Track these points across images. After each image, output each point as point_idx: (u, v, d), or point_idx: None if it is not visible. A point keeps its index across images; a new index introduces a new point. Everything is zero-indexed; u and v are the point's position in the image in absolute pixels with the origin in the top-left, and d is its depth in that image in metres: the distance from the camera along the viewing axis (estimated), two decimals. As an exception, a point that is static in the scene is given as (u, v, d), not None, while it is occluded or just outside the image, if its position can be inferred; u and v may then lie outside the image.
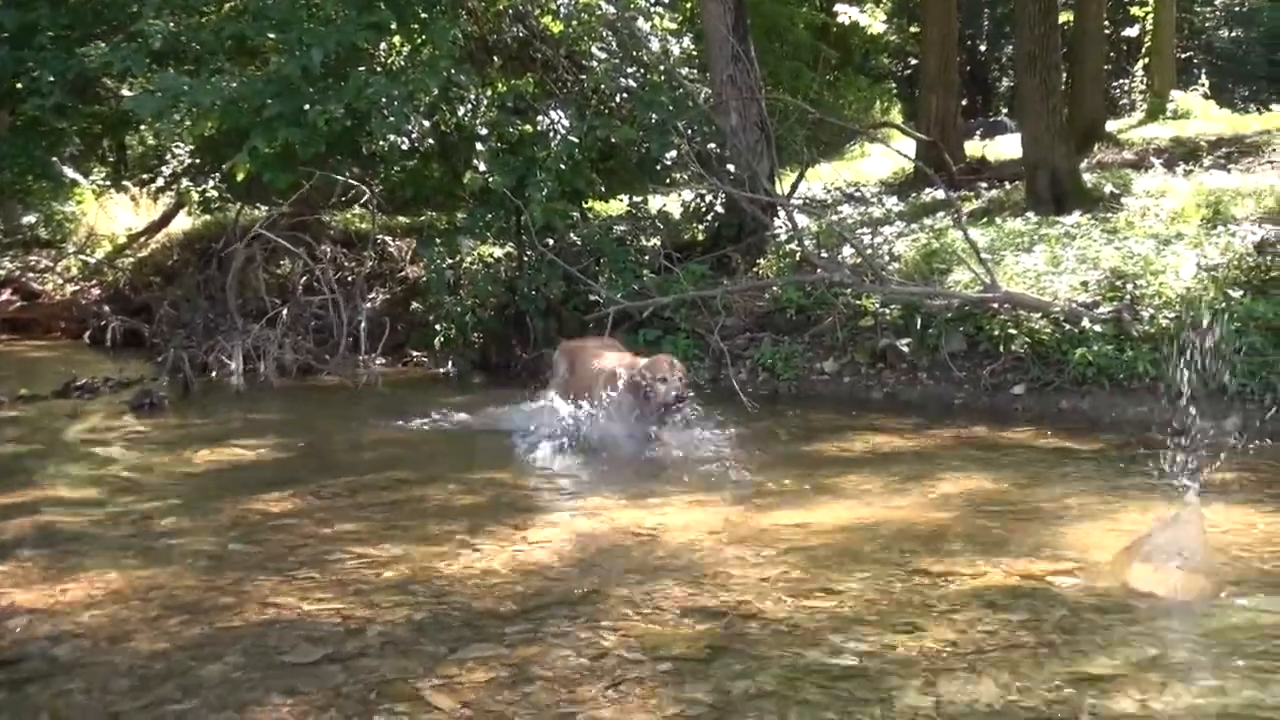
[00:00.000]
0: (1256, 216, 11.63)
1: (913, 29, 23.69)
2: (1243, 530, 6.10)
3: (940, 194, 14.73)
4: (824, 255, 11.81)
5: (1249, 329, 8.93)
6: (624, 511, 6.78)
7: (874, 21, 24.06)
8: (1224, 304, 9.22)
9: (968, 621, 4.79)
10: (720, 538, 6.12)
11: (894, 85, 28.49)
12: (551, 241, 12.64)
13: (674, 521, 6.48)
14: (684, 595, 5.21)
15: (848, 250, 11.85)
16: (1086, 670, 4.27)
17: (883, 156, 19.58)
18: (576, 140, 12.44)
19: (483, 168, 12.33)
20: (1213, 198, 12.75)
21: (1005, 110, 29.60)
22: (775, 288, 11.75)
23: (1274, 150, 16.92)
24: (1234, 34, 32.23)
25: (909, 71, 25.00)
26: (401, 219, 16.79)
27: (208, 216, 17.68)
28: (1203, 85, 24.94)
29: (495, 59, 14.48)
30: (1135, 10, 26.03)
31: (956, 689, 4.17)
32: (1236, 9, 32.93)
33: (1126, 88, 26.34)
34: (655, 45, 14.01)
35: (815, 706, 4.07)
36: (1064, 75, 16.24)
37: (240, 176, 12.92)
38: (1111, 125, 20.78)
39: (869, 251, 11.76)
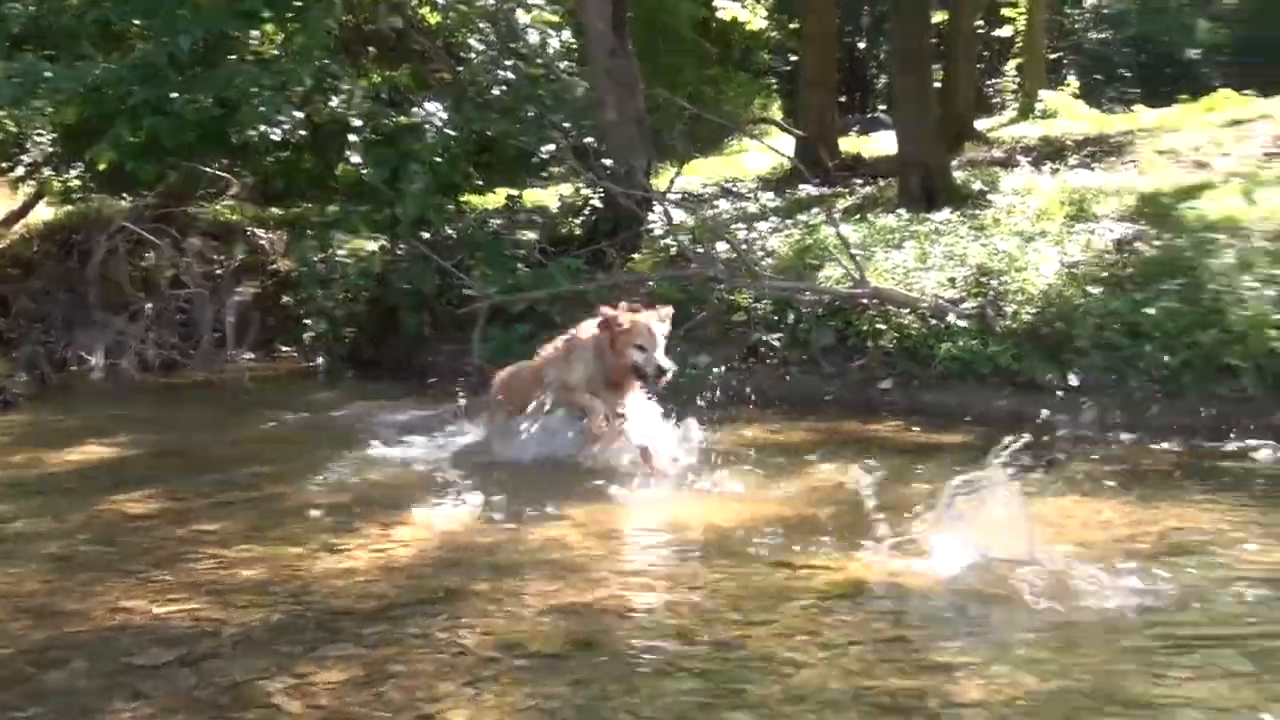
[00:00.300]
0: (1116, 214, 11.96)
1: (793, 25, 23.84)
2: (1088, 518, 6.22)
3: (816, 190, 14.92)
4: (699, 250, 11.86)
5: (1106, 325, 9.16)
6: (491, 509, 6.74)
7: (754, 17, 24.23)
8: (1084, 300, 9.47)
9: (825, 612, 4.85)
10: (586, 533, 6.10)
11: (775, 81, 28.71)
12: (426, 235, 12.51)
13: (541, 517, 6.46)
14: (546, 592, 5.19)
15: (723, 245, 11.92)
16: (936, 659, 4.35)
17: (760, 153, 19.75)
18: (453, 133, 12.34)
19: (356, 160, 12.17)
20: (1076, 196, 13.07)
21: (882, 107, 30.07)
22: (650, 282, 11.77)
23: (1136, 150, 17.41)
24: (1103, 36, 33.17)
25: (789, 68, 25.20)
26: (274, 211, 16.46)
27: (69, 207, 17.12)
28: (1072, 85, 25.62)
29: (370, 49, 14.30)
30: (1007, 11, 26.60)
31: (808, 678, 4.22)
32: (1105, 11, 33.89)
33: (998, 87, 26.94)
34: (534, 38, 13.96)
35: (669, 698, 4.08)
36: (938, 74, 16.56)
37: (103, 166, 12.53)
38: (983, 124, 21.19)
39: (744, 247, 11.86)
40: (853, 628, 4.69)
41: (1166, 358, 8.83)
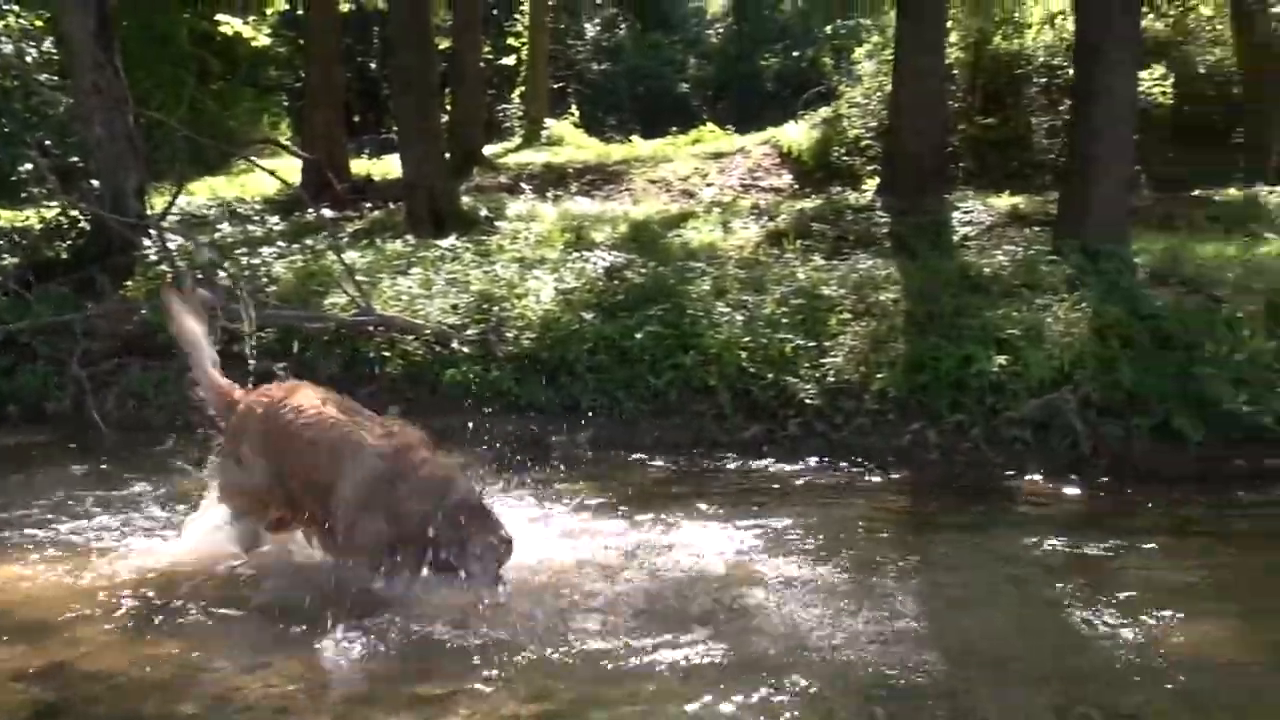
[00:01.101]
0: (611, 242, 12.63)
1: (301, 42, 23.41)
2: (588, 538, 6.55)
3: (325, 213, 14.73)
4: (199, 276, 11.38)
5: (599, 349, 9.66)
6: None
7: (258, 34, 23.62)
8: (579, 325, 9.93)
9: (315, 652, 4.81)
10: (64, 589, 5.68)
11: (285, 99, 28.06)
12: (-119, 260, 11.25)
13: (12, 572, 5.94)
14: (13, 655, 4.82)
15: (224, 271, 11.51)
16: (421, 692, 4.42)
17: (267, 173, 19.20)
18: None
19: None
20: (576, 223, 13.72)
21: (396, 128, 30.05)
22: (144, 311, 11.15)
23: (632, 179, 18.51)
24: (603, 67, 34.91)
25: (300, 85, 24.70)
26: None
27: None
28: (574, 115, 26.82)
29: None
30: (512, 40, 27.49)
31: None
32: (604, 44, 35.70)
33: (506, 113, 27.74)
34: (7, 48, 12.87)
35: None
36: (444, 100, 16.80)
37: None
38: (491, 150, 21.77)
39: (245, 273, 11.51)
40: (346, 673, 4.69)
41: (653, 379, 9.43)
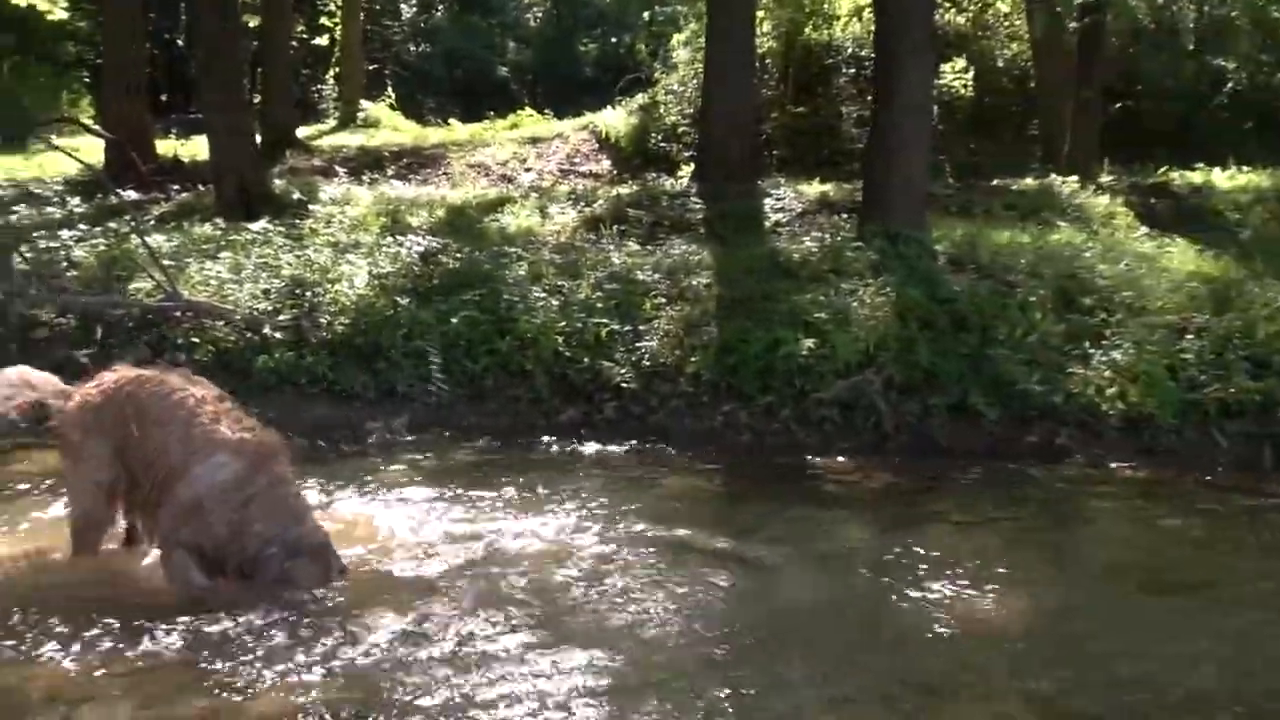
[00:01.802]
0: (427, 226, 12.54)
1: (100, 18, 22.46)
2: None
3: (128, 195, 14.24)
4: (-8, 261, 10.91)
5: (415, 334, 9.61)
6: None
7: (54, 7, 22.54)
8: (394, 311, 9.86)
9: (114, 643, 4.71)
10: None
11: (86, 76, 26.90)
12: None
13: None
14: None
15: (20, 255, 11.05)
16: (228, 679, 4.39)
17: (66, 153, 18.43)
18: None
19: None
20: (391, 207, 13.56)
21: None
22: (-65, 298, 10.66)
23: (449, 163, 18.37)
24: (420, 49, 34.51)
25: (100, 61, 23.72)
26: None
27: None
28: (390, 97, 26.43)
29: None
30: (326, 20, 26.95)
31: (92, 714, 4.11)
32: (422, 25, 35.28)
33: (321, 95, 27.21)
34: None
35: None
36: (255, 80, 16.37)
37: None
38: (305, 131, 21.30)
39: (44, 257, 11.10)
40: (146, 655, 4.61)
41: (470, 364, 9.44)
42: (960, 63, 18.42)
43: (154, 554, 5.53)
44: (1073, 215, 13.10)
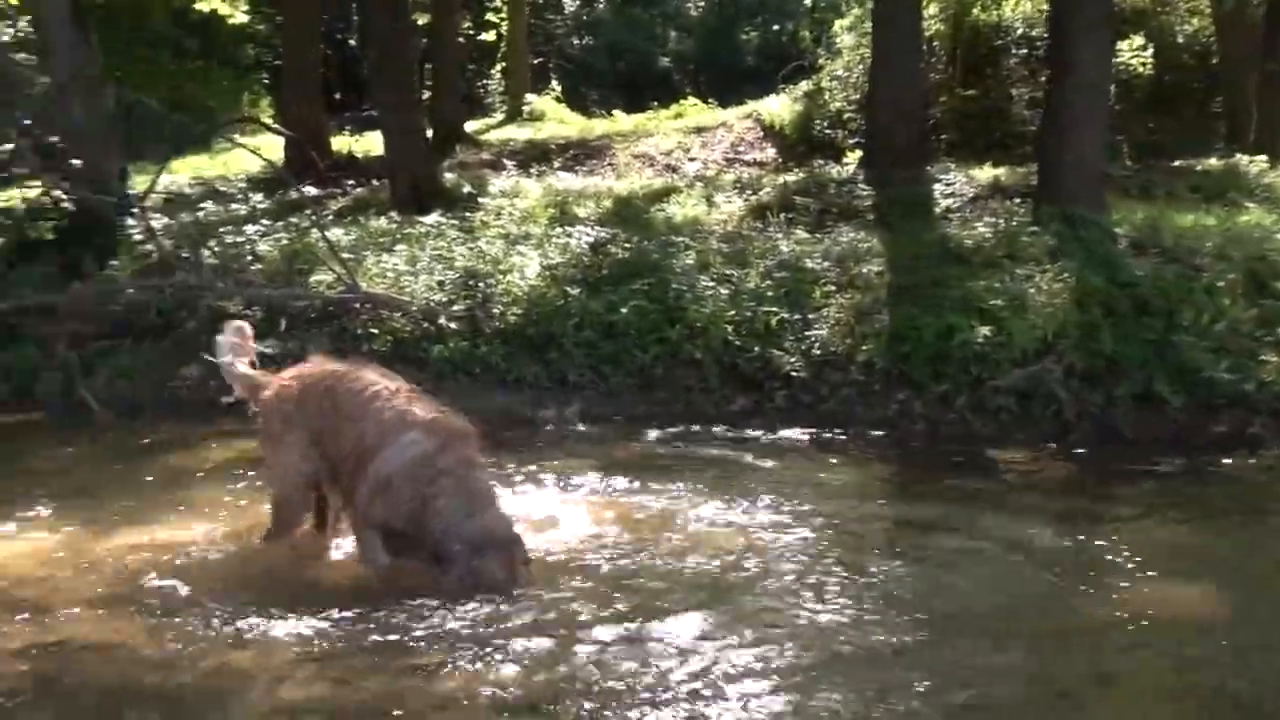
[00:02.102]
0: (594, 217, 12.66)
1: (279, 20, 23.25)
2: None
3: (308, 191, 14.71)
4: (184, 255, 11.39)
5: (585, 324, 9.71)
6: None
7: (235, 11, 23.46)
8: (564, 301, 9.98)
9: (308, 625, 4.87)
10: (59, 566, 5.75)
11: (265, 77, 27.88)
12: None
13: (8, 551, 6.01)
14: (12, 632, 4.89)
15: (209, 250, 11.51)
16: (412, 661, 4.48)
17: (249, 152, 19.15)
18: (-110, 129, 11.13)
19: None
20: (559, 199, 13.73)
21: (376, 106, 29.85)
22: (130, 291, 11.17)
23: (615, 154, 18.50)
24: (583, 41, 34.79)
25: (279, 63, 24.58)
26: None
27: None
28: (556, 90, 26.71)
29: None
30: (492, 16, 27.35)
31: (292, 693, 4.25)
32: (585, 18, 35.57)
33: (488, 89, 27.63)
34: (-17, 29, 12.83)
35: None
36: (424, 77, 16.73)
37: None
38: (473, 126, 21.67)
39: (230, 252, 11.54)
40: (338, 636, 4.75)
41: (639, 353, 9.50)
42: (1138, 39, 17.74)
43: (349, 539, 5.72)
44: (1261, 196, 12.51)
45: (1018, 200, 12.36)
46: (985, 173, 13.83)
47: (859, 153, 15.32)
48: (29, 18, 13.95)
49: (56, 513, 6.66)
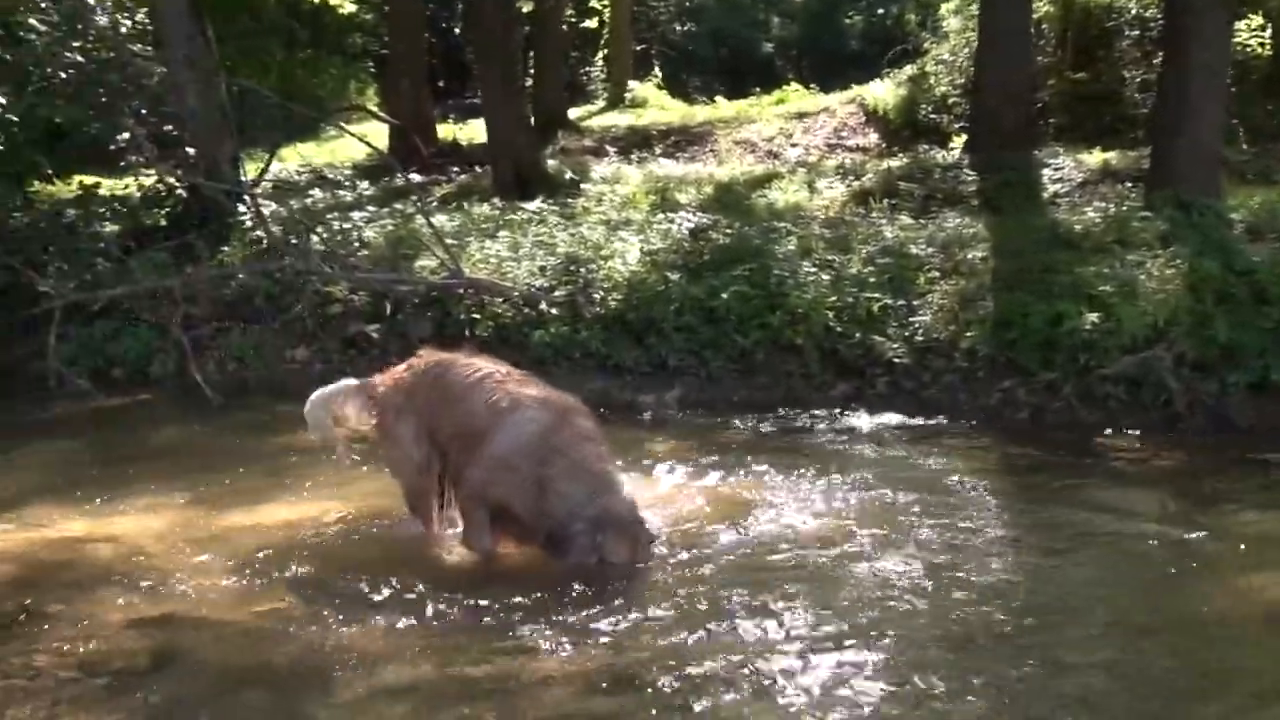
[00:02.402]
0: (695, 203, 12.65)
1: (385, 9, 23.59)
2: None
3: (413, 178, 14.91)
4: (292, 241, 11.60)
5: (685, 309, 9.70)
6: (72, 521, 6.41)
7: (344, 1, 23.86)
8: (665, 286, 9.98)
9: (410, 605, 4.95)
10: (172, 544, 5.92)
11: (372, 65, 28.29)
12: (-10, 228, 11.62)
13: (125, 529, 6.20)
14: (127, 607, 5.03)
15: (316, 236, 11.72)
16: (514, 643, 4.53)
17: (355, 139, 19.47)
18: (15, 119, 11.47)
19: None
20: (660, 185, 13.75)
21: (480, 93, 30.07)
22: (242, 275, 11.42)
23: (716, 140, 18.46)
24: (685, 28, 34.74)
25: (385, 51, 24.90)
26: None
27: None
28: (657, 76, 26.73)
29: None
30: (594, 3, 27.44)
31: (395, 671, 4.32)
32: (687, 4, 35.52)
33: (590, 76, 27.70)
34: (103, 19, 13.16)
35: (255, 709, 4.08)
36: (527, 64, 16.84)
37: None
38: (575, 113, 21.78)
39: (337, 237, 11.73)
40: (432, 624, 4.82)
41: (740, 338, 9.47)
42: (1256, 19, 17.19)
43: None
44: (1389, 181, 12.09)
45: (1129, 185, 12.08)
46: (1095, 157, 13.54)
47: (964, 137, 15.10)
48: (146, 9, 14.35)
49: (172, 490, 6.87)
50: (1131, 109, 16.16)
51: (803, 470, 7.00)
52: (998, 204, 11.87)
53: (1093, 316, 8.71)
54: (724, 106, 21.65)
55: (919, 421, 8.40)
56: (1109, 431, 8.12)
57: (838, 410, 8.74)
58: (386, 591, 5.12)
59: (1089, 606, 5.02)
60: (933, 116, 17.55)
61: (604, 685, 4.21)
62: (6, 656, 4.55)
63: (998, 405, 8.70)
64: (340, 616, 4.87)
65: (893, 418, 8.47)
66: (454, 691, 4.16)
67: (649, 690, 4.18)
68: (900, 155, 14.87)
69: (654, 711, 4.04)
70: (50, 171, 13.15)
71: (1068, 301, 8.91)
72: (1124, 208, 10.78)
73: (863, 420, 8.46)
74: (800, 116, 19.26)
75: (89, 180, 13.39)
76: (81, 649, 4.60)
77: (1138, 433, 8.06)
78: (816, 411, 8.73)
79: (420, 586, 5.17)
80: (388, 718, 4.00)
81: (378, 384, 5.99)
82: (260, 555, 5.65)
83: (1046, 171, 13.08)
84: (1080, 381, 8.57)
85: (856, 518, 6.07)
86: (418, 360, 5.96)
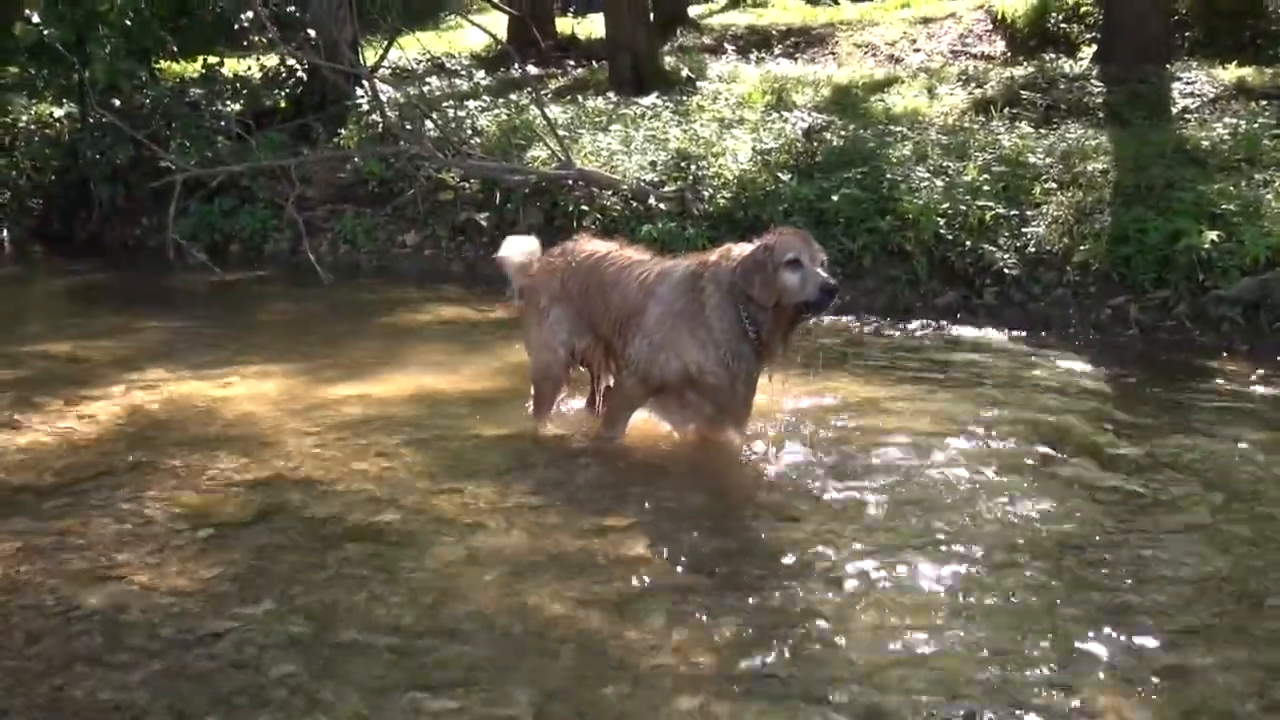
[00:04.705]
0: (811, 105, 12.48)
1: (510, -100, 23.43)
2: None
3: (530, 70, 14.91)
4: (407, 127, 11.73)
5: (794, 210, 9.62)
6: (186, 384, 6.68)
7: (469, -111, 23.80)
8: (775, 186, 9.91)
9: (506, 481, 5.07)
10: (280, 409, 6.13)
11: (493, -43, 28.22)
12: (118, 103, 11.90)
13: (235, 393, 6.45)
14: (235, 465, 5.24)
15: (431, 123, 11.83)
16: (605, 522, 4.63)
17: (475, 29, 19.50)
18: (144, -4, 11.73)
19: (37, 19, 11.38)
20: (777, 85, 13.57)
21: (601, -11, 29.87)
22: (357, 159, 11.60)
23: (837, 42, 18.10)
24: (812, -72, 33.98)
25: (507, -56, 24.77)
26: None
27: None
28: (780, -25, 26.18)
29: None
30: (721, -102, 26.92)
31: (487, 540, 4.44)
32: (816, -96, 34.69)
33: (713, -26, 27.23)
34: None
35: (353, 563, 4.23)
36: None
37: None
38: (696, 10, 21.53)
39: (451, 125, 11.82)
40: (531, 493, 4.94)
41: (848, 241, 9.39)
42: None
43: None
44: None
45: (1263, 103, 11.62)
46: (1231, 73, 13.02)
47: (1094, 48, 14.62)
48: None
49: (283, 361, 7.12)
50: (1273, 24, 15.49)
51: (905, 377, 6.95)
52: (1124, 117, 11.51)
53: (1213, 235, 8.45)
54: (847, 8, 21.14)
55: (1025, 334, 8.27)
56: (1221, 354, 7.90)
57: (943, 318, 8.66)
58: (485, 465, 5.26)
59: (1176, 542, 4.64)
60: (1063, 25, 16.98)
61: (691, 566, 4.28)
62: (118, 504, 4.76)
63: (1107, 321, 8.52)
64: (438, 486, 5.01)
65: (999, 329, 8.36)
66: (544, 564, 4.26)
67: (739, 576, 4.22)
68: (1026, 64, 14.45)
69: (734, 597, 4.08)
70: (175, 49, 13.39)
71: (1188, 219, 8.65)
72: (1255, 125, 10.39)
73: (967, 330, 8.37)
74: (925, 21, 18.74)
75: (212, 59, 13.63)
76: (189, 500, 4.80)
77: (1252, 357, 7.82)
78: (921, 319, 8.66)
79: (519, 465, 5.29)
80: (478, 583, 4.10)
81: (534, 264, 5.97)
82: (365, 424, 5.84)
83: (1177, 85, 12.61)
84: (1195, 301, 8.36)
85: (953, 430, 5.90)
86: (571, 246, 5.90)
